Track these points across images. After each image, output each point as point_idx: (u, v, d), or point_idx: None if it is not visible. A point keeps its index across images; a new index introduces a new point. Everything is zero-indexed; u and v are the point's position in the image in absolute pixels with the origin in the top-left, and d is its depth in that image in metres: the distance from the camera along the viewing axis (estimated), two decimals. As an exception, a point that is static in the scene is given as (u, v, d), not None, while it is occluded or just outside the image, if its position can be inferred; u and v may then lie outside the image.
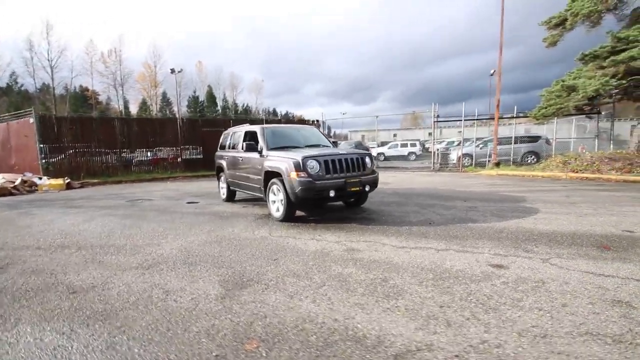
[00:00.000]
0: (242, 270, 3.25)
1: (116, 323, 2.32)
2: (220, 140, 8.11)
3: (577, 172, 9.90)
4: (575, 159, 11.02)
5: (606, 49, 9.81)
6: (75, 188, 11.99)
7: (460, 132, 16.43)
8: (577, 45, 13.30)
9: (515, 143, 15.32)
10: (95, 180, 13.43)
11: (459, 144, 24.20)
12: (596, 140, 14.22)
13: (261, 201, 7.40)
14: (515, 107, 15.04)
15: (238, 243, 4.20)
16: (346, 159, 5.23)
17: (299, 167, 4.87)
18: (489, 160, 15.31)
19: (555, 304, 2.40)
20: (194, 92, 64.42)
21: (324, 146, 6.35)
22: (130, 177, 14.69)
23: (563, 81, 12.70)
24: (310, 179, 4.84)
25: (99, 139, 14.89)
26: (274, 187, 5.37)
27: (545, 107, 13.29)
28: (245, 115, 61.85)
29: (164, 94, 61.67)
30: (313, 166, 4.92)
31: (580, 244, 3.69)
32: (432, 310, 2.34)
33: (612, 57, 9.53)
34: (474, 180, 10.81)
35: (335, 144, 7.03)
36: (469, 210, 5.67)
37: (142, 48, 70.60)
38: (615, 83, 9.62)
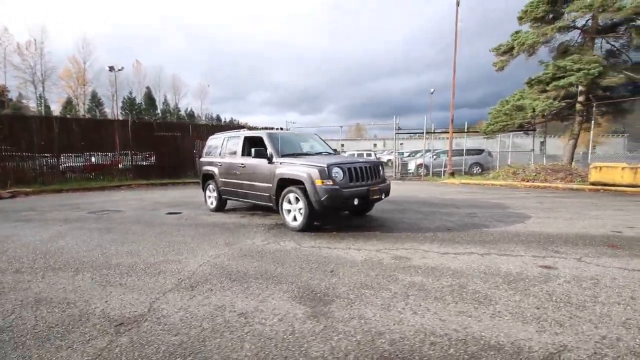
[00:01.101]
0: (306, 285, 3.01)
1: (214, 357, 1.96)
2: (207, 146, 7.52)
3: (528, 181, 11.25)
4: (523, 169, 12.53)
5: (549, 75, 11.45)
6: (5, 198, 10.04)
7: (401, 144, 17.61)
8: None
9: (462, 155, 16.93)
10: (29, 189, 11.38)
11: (409, 155, 26.02)
12: (532, 153, 16.35)
13: (258, 210, 7.01)
14: (466, 122, 16.66)
15: (273, 256, 3.89)
16: (366, 167, 5.22)
17: (325, 175, 4.72)
18: (444, 171, 16.60)
19: (625, 296, 2.65)
20: (130, 92, 59.09)
21: (329, 153, 6.27)
22: (70, 185, 12.78)
23: (507, 102, 14.45)
24: (337, 187, 4.72)
25: (29, 142, 12.74)
26: (291, 195, 5.11)
27: (493, 124, 14.94)
28: (191, 120, 58.44)
29: (94, 94, 55.33)
30: (338, 174, 4.82)
31: (591, 244, 4.16)
32: (533, 313, 2.42)
33: (554, 83, 11.15)
34: (444, 188, 11.60)
35: (335, 151, 6.99)
36: (470, 217, 6.04)
37: (69, 42, 62.55)
38: (557, 105, 11.27)
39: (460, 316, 2.39)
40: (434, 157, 18.60)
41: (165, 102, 65.15)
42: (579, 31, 13.64)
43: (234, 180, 6.35)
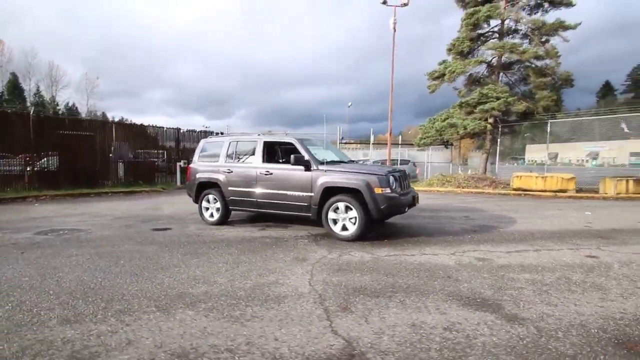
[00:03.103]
0: (456, 291, 3.07)
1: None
2: (200, 150, 6.61)
3: (464, 188, 13.28)
4: (455, 178, 14.71)
5: (475, 100, 13.86)
6: None
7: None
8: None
9: (393, 165, 18.92)
10: None
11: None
12: (450, 164, 19.32)
13: (260, 221, 6.44)
14: (400, 136, 18.64)
15: (370, 267, 3.77)
16: (404, 175, 5.47)
17: (384, 183, 4.78)
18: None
19: None
20: (-16, 78, 46.29)
21: (351, 161, 6.31)
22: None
23: (436, 120, 16.82)
24: (397, 195, 4.83)
25: None
26: (340, 204, 4.98)
27: (425, 138, 17.12)
28: (76, 115, 48.61)
29: None
30: (393, 182, 4.93)
31: (588, 237, 5.29)
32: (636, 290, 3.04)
33: (480, 107, 13.55)
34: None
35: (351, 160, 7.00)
36: (471, 220, 6.86)
37: None
38: (484, 124, 13.73)
39: (604, 302, 2.84)
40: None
41: (38, 94, 52.93)
42: (485, 65, 16.92)
43: (251, 190, 5.77)
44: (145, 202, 9.84)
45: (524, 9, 15.78)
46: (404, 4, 17.70)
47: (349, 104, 45.96)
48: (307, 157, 5.33)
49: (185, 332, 2.36)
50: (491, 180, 13.50)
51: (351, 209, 4.93)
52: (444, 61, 16.30)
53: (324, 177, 5.12)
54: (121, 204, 9.37)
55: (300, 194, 5.30)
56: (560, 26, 13.91)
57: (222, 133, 18.69)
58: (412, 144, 20.20)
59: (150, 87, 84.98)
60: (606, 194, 10.80)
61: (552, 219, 7.00)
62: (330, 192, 5.11)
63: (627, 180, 10.71)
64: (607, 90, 64.67)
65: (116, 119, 59.58)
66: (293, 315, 2.62)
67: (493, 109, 13.27)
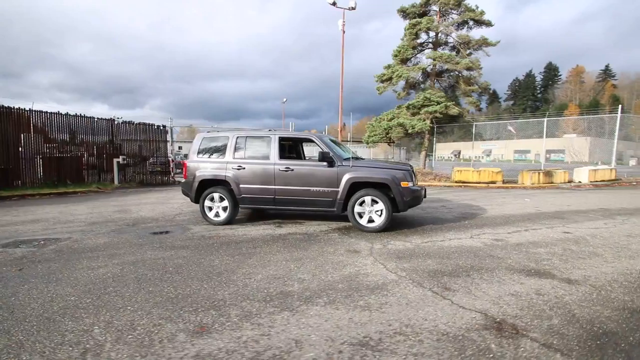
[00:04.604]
0: (509, 266, 3.67)
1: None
2: (199, 146, 6.12)
3: (414, 181, 14.79)
4: (402, 172, 16.22)
5: (420, 102, 15.46)
6: None
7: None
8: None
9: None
10: None
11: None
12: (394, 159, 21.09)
13: (276, 219, 6.37)
14: (350, 134, 19.59)
15: (423, 253, 4.19)
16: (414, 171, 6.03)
17: (409, 177, 5.24)
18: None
19: (614, 236, 4.78)
20: None
21: (359, 158, 6.63)
22: None
23: (382, 119, 18.20)
24: (418, 188, 5.33)
25: None
26: (367, 198, 5.27)
27: (373, 136, 18.39)
28: None
29: None
30: (413, 177, 5.42)
31: (548, 218, 6.60)
32: (618, 251, 4.09)
33: (425, 109, 15.18)
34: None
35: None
36: (448, 209, 7.83)
37: None
38: (429, 125, 15.43)
39: (610, 263, 3.77)
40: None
41: None
42: (421, 71, 18.93)
43: (269, 187, 5.64)
44: (100, 204, 8.54)
45: (453, 25, 18.14)
46: (352, 7, 18.59)
47: (284, 99, 45.68)
48: (331, 153, 5.47)
49: (338, 325, 2.41)
50: (435, 175, 15.32)
51: (377, 202, 5.27)
52: (389, 66, 17.72)
53: (351, 173, 5.34)
54: (74, 208, 7.96)
55: (326, 189, 5.42)
56: (484, 42, 16.45)
57: (164, 126, 17.02)
58: (361, 141, 21.39)
59: (35, 68, 70.58)
60: (524, 184, 13.33)
61: (508, 205, 8.44)
62: (355, 187, 5.36)
63: (539, 173, 13.41)
64: (493, 98, 77.62)
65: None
66: (410, 299, 2.86)
67: (435, 111, 15.05)
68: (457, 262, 3.86)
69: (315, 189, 5.49)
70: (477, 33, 17.49)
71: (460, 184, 13.74)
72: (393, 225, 5.82)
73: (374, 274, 3.47)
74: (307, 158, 7.33)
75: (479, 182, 13.58)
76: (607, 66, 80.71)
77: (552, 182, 13.48)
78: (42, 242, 4.86)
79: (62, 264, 3.84)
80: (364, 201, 5.32)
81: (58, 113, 12.92)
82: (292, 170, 5.59)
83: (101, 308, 2.71)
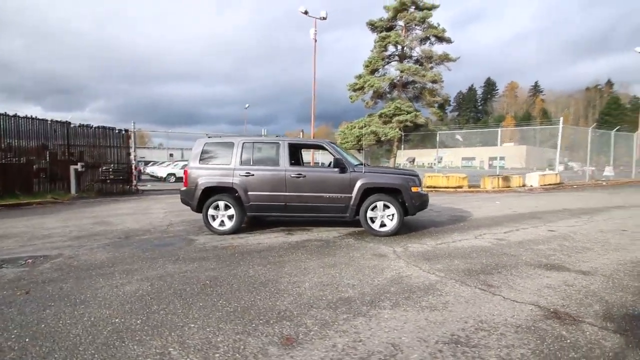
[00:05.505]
0: (526, 262, 4.04)
1: None
2: (200, 153, 5.82)
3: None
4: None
5: (392, 111, 16.22)
6: None
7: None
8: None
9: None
10: None
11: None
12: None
13: (280, 226, 6.27)
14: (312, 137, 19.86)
15: (444, 254, 4.44)
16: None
17: (418, 183, 5.51)
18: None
19: (591, 232, 5.48)
20: None
21: (363, 164, 6.79)
22: None
23: (354, 126, 18.74)
24: (426, 193, 5.61)
25: None
26: (379, 203, 5.43)
27: (345, 143, 18.83)
28: None
29: None
30: (421, 182, 5.70)
31: (528, 218, 7.30)
32: (605, 245, 4.70)
33: (396, 117, 15.95)
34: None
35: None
36: (436, 212, 8.30)
37: None
38: (399, 133, 16.19)
39: (603, 256, 4.32)
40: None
41: None
42: (389, 82, 19.89)
43: (279, 194, 5.55)
44: (71, 216, 7.66)
45: (417, 40, 19.38)
46: (323, 17, 19.01)
47: (246, 105, 44.82)
48: (343, 160, 5.56)
49: (419, 326, 2.49)
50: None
51: (388, 207, 5.46)
52: (360, 75, 18.39)
53: (364, 179, 5.47)
54: (41, 221, 7.03)
55: (339, 195, 5.48)
56: (446, 58, 17.80)
57: (127, 130, 15.74)
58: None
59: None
60: (486, 188, 14.55)
61: (485, 207, 9.17)
62: (367, 192, 5.50)
63: (498, 178, 14.74)
64: (440, 108, 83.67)
65: None
66: (466, 297, 3.04)
67: (406, 120, 15.90)
68: (480, 260, 4.15)
69: (328, 195, 5.53)
70: (439, 49, 18.90)
71: (431, 189, 14.59)
72: (399, 229, 6.05)
73: (416, 276, 3.60)
74: (308, 164, 7.32)
75: (448, 187, 14.55)
76: (536, 82, 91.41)
77: (509, 187, 14.89)
78: (29, 260, 4.27)
79: (74, 284, 3.43)
80: (375, 206, 5.48)
81: (5, 114, 11.39)
82: (305, 176, 5.57)
83: (159, 328, 2.49)
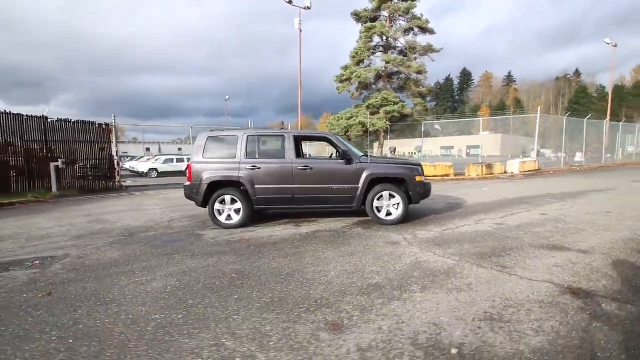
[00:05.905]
0: (531, 244, 4.32)
1: None
2: (203, 147, 5.74)
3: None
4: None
5: (379, 102, 16.39)
6: None
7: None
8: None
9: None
10: None
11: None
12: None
13: (285, 218, 6.33)
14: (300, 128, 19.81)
15: (452, 240, 4.66)
16: (420, 166, 6.53)
17: (422, 172, 5.70)
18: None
19: (583, 211, 5.90)
20: None
21: (367, 154, 6.90)
22: None
23: (341, 117, 18.82)
24: (429, 182, 5.81)
25: None
26: (385, 193, 5.58)
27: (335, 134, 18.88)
28: None
29: None
30: (423, 172, 5.89)
31: (518, 203, 7.70)
32: (595, 225, 5.08)
33: (384, 108, 16.15)
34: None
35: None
36: (433, 200, 8.56)
37: None
38: (387, 124, 16.42)
39: (595, 236, 4.67)
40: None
41: None
42: (375, 73, 20.04)
43: (287, 186, 5.58)
44: (62, 215, 7.36)
45: (401, 31, 19.55)
46: (307, 7, 18.80)
47: (227, 97, 43.87)
48: (350, 152, 5.65)
49: (452, 306, 2.66)
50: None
51: (394, 197, 5.63)
52: (346, 66, 18.40)
53: (371, 169, 5.59)
54: (32, 222, 6.71)
55: (346, 186, 5.58)
56: (430, 49, 18.11)
57: (107, 125, 15.09)
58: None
59: None
60: (471, 175, 15.11)
61: (475, 195, 9.56)
62: (373, 182, 5.63)
63: (482, 166, 15.33)
64: (422, 99, 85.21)
65: None
66: (486, 278, 3.24)
67: (394, 110, 16.15)
68: (487, 244, 4.39)
69: (335, 186, 5.62)
70: (422, 40, 19.18)
71: (419, 178, 15.01)
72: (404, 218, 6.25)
73: (433, 261, 3.78)
74: (308, 156, 7.36)
75: (435, 176, 14.98)
76: (509, 72, 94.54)
77: (492, 174, 15.52)
78: (36, 262, 4.13)
79: (96, 283, 3.37)
80: (381, 196, 5.63)
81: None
82: (312, 168, 5.63)
83: (204, 321, 2.53)
